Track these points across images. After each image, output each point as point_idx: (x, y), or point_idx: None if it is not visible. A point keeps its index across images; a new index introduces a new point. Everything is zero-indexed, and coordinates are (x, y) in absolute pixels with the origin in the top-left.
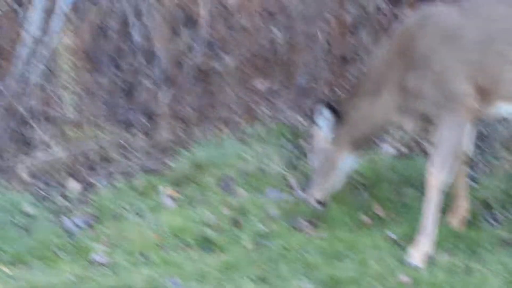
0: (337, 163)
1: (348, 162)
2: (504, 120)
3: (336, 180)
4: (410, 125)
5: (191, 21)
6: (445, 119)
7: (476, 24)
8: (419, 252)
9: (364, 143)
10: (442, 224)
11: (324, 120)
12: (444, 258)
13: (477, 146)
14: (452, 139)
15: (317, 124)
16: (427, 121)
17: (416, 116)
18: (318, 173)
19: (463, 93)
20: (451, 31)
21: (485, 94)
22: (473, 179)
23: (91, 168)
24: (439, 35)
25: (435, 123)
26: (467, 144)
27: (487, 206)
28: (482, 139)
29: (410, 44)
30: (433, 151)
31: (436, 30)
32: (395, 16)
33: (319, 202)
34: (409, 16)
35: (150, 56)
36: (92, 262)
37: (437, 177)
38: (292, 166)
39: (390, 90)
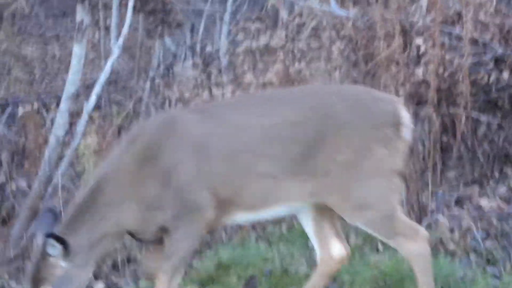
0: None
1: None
2: None
3: None
4: (147, 235)
5: None
6: (181, 230)
7: (222, 134)
8: None
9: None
10: None
11: (54, 248)
12: None
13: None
14: (187, 250)
15: (50, 255)
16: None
17: (155, 228)
18: None
19: (205, 205)
20: (197, 140)
21: (225, 205)
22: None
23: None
24: (185, 144)
25: (170, 232)
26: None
27: None
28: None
29: (154, 152)
30: (165, 259)
31: (183, 139)
32: None
33: None
34: (150, 120)
35: None
36: None
37: (165, 283)
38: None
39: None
